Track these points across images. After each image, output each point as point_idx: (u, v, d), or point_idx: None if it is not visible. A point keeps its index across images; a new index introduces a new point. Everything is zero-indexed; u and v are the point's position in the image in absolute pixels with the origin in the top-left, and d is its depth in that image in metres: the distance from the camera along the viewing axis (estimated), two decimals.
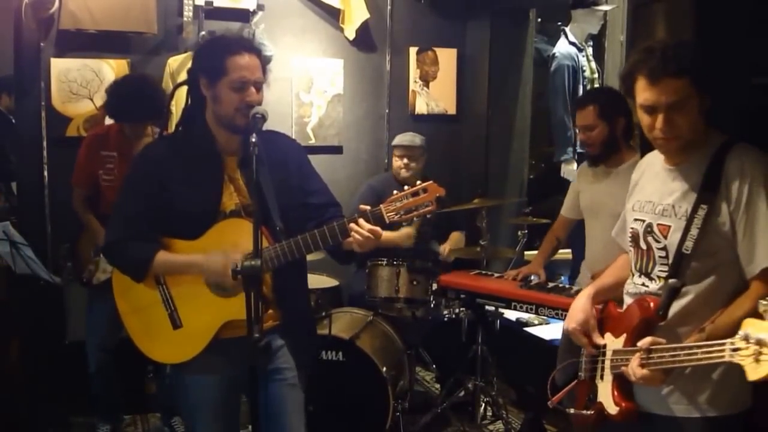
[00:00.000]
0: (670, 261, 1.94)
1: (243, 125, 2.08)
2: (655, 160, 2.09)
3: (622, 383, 1.98)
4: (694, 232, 1.87)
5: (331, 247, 2.23)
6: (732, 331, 1.60)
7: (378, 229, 2.04)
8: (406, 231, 3.88)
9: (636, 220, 2.07)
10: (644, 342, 1.83)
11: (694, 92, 1.83)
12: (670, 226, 1.94)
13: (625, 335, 1.99)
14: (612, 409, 1.99)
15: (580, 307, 2.15)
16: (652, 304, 1.91)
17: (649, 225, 2.00)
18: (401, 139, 4.22)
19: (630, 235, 2.09)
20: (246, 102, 2.08)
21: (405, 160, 4.14)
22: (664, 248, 1.96)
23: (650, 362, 1.81)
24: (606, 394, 2.02)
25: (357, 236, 2.04)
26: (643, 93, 1.87)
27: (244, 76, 2.08)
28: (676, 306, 1.92)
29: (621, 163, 3.11)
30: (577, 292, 3.09)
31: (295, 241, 2.07)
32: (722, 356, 1.58)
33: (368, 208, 2.06)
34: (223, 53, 2.09)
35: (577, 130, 3.23)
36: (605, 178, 3.16)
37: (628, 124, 3.11)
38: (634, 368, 1.83)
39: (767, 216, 1.83)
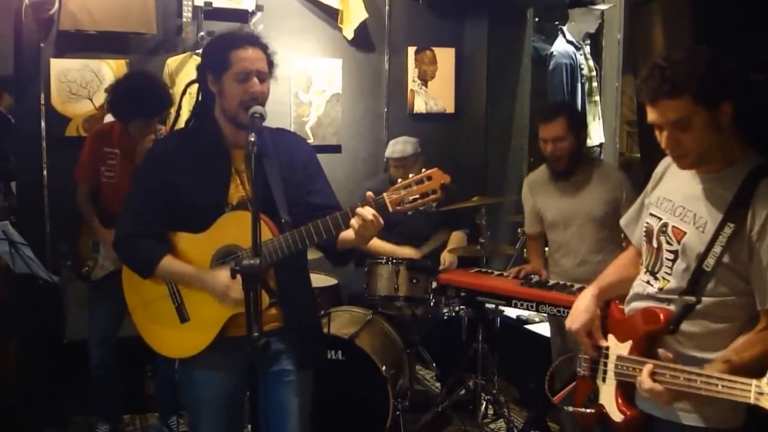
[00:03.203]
0: (674, 267, 1.89)
1: (246, 122, 2.09)
2: None
3: (625, 389, 1.95)
4: (717, 249, 1.80)
5: (326, 246, 2.23)
6: (752, 367, 1.57)
7: (380, 218, 2.01)
8: (411, 251, 3.92)
9: (652, 215, 2.01)
10: (664, 356, 1.79)
11: (699, 108, 1.76)
12: (685, 232, 1.88)
13: (631, 342, 1.95)
14: (616, 416, 1.95)
15: (584, 307, 2.10)
16: (662, 316, 1.86)
17: (665, 225, 1.95)
18: (392, 150, 4.07)
19: (644, 230, 2.04)
20: (249, 94, 2.10)
21: (401, 171, 4.01)
22: (674, 252, 1.90)
23: (662, 379, 1.75)
24: (608, 398, 1.99)
25: (360, 221, 2.00)
26: (649, 113, 1.82)
27: (246, 66, 2.11)
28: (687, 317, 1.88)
29: (591, 172, 3.21)
30: (579, 289, 3.11)
31: (299, 231, 2.07)
32: (747, 397, 1.54)
33: (372, 196, 2.04)
34: (227, 48, 2.13)
35: (543, 144, 3.23)
36: (576, 190, 3.22)
37: (585, 136, 3.24)
38: (644, 379, 1.78)
39: None
